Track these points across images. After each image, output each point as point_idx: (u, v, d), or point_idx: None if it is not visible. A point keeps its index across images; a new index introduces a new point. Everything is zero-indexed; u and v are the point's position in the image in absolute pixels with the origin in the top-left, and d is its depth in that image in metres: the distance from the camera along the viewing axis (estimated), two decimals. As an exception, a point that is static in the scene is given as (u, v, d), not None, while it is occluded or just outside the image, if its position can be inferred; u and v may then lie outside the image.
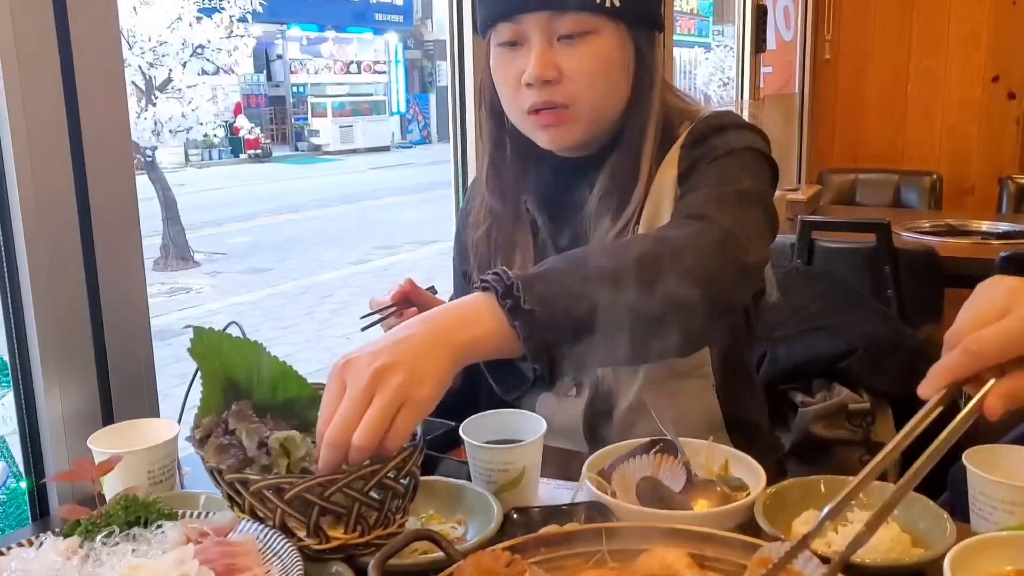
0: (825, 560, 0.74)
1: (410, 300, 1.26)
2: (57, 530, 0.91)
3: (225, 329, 1.09)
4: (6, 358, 1.34)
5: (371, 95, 25.01)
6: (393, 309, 1.28)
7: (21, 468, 1.38)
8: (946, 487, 1.19)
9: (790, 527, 0.99)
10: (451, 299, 1.37)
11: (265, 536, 0.89)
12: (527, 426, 1.16)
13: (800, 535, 0.94)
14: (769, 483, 1.06)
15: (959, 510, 1.02)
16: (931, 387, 0.74)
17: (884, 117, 4.70)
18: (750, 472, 1.11)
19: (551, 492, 1.15)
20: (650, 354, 1.03)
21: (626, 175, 1.25)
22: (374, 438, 0.84)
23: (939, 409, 0.73)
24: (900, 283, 2.76)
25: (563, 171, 1.32)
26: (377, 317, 1.30)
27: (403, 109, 26.62)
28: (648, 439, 1.16)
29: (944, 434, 0.71)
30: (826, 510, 0.73)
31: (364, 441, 0.84)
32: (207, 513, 0.95)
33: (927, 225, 3.35)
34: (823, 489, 1.04)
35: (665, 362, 1.25)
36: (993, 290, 0.76)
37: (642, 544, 0.84)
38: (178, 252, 9.69)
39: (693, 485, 1.09)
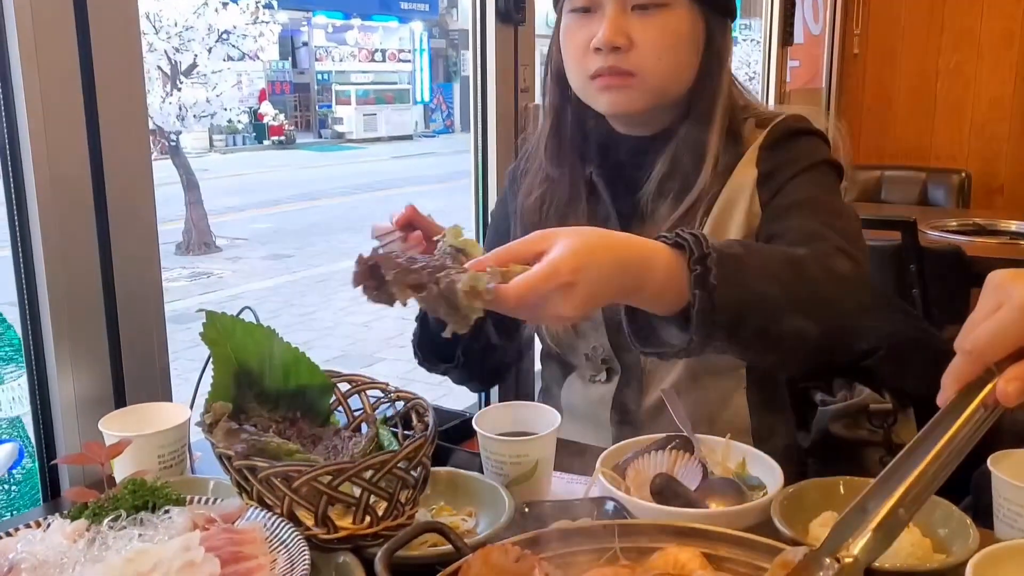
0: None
1: (413, 224, 1.24)
2: (65, 512, 0.90)
3: (239, 314, 1.08)
4: (20, 338, 1.34)
5: (395, 83, 25.03)
6: (398, 234, 1.26)
7: (35, 448, 1.39)
8: (969, 491, 1.17)
9: (807, 529, 0.97)
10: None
11: (272, 524, 0.88)
12: (541, 419, 1.14)
13: (817, 537, 0.93)
14: (787, 483, 1.04)
15: (982, 515, 0.99)
16: (943, 396, 0.72)
17: (912, 113, 4.63)
18: (768, 471, 1.09)
19: (564, 486, 1.14)
20: (783, 365, 1.14)
21: (689, 159, 1.24)
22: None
23: (963, 414, 0.70)
24: (926, 282, 2.71)
25: (624, 148, 1.30)
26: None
27: (427, 98, 26.62)
28: (664, 435, 1.15)
29: (952, 430, 0.70)
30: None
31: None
32: (215, 499, 0.94)
33: (954, 224, 3.29)
34: (842, 490, 1.02)
35: (705, 358, 1.21)
36: (987, 286, 0.74)
37: (655, 542, 0.82)
38: (200, 237, 9.73)
39: (709, 483, 1.07)
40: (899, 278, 2.74)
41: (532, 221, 1.33)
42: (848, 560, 0.68)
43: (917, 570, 0.89)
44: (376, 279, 0.82)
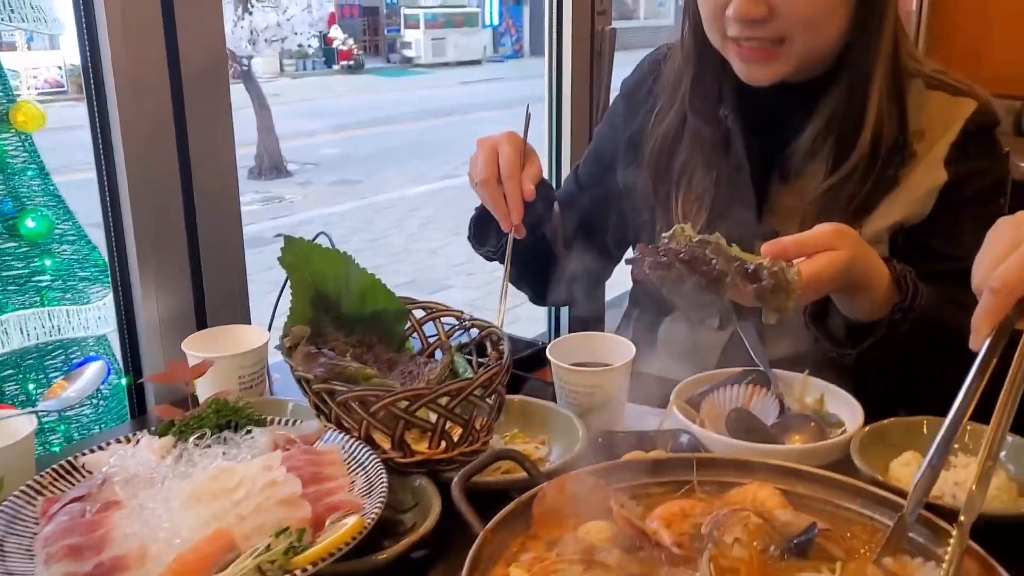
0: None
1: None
2: (153, 429, 0.93)
3: (315, 239, 1.09)
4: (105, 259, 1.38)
5: (464, 7, 24.65)
6: None
7: (121, 366, 1.44)
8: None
9: (887, 468, 0.95)
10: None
11: (350, 447, 0.89)
12: (616, 350, 1.13)
13: (898, 478, 0.91)
14: (868, 421, 1.01)
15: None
16: (978, 338, 0.73)
17: (1009, 39, 4.40)
18: (847, 408, 1.07)
19: (638, 417, 1.13)
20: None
21: (848, 119, 1.15)
22: None
23: (998, 352, 0.72)
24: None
25: (765, 97, 1.19)
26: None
27: (496, 22, 26.19)
28: (740, 369, 1.13)
29: (1014, 367, 0.71)
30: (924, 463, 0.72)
31: None
32: (295, 421, 0.96)
33: (1049, 156, 3.14)
34: (926, 431, 0.99)
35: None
36: (997, 231, 0.78)
37: (734, 477, 0.82)
38: (272, 162, 9.83)
39: (786, 419, 1.06)
40: (987, 212, 2.62)
41: (658, 161, 1.27)
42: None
43: (1003, 514, 0.87)
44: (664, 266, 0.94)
